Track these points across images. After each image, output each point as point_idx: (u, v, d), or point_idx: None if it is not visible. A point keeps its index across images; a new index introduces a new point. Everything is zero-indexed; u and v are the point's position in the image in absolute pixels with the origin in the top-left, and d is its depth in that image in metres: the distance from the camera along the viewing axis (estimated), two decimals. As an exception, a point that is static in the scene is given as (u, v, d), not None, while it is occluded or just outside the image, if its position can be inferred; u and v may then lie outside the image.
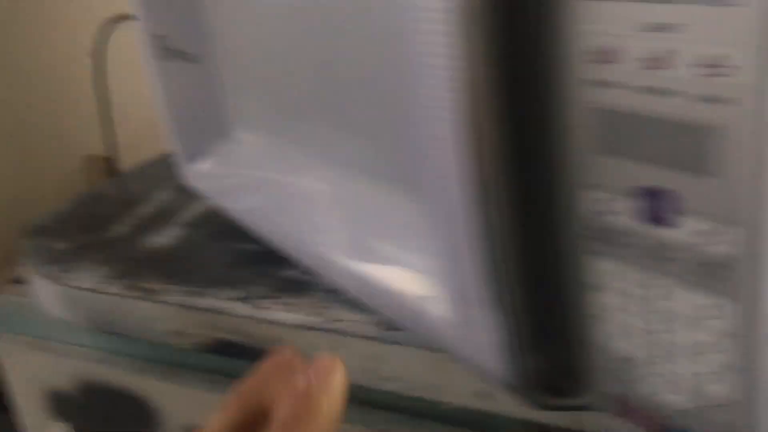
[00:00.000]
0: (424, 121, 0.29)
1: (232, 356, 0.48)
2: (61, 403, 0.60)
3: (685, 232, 0.24)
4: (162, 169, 0.77)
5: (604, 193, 0.26)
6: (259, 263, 0.53)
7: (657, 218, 0.24)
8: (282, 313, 0.46)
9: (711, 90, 0.21)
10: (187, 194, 0.67)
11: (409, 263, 0.39)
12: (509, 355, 0.31)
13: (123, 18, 0.75)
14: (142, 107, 1.16)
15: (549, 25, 0.25)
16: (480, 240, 0.29)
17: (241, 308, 0.47)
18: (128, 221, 0.63)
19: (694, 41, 0.21)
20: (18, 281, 0.63)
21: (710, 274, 0.24)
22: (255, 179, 0.54)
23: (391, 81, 0.35)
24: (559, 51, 0.25)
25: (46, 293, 0.55)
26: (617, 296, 0.27)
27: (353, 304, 0.45)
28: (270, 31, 0.46)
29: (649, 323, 0.27)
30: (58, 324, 0.59)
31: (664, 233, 0.25)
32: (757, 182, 0.21)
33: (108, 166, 1.31)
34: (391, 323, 0.43)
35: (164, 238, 0.59)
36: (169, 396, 0.53)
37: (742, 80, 0.21)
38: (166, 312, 0.50)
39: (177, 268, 0.53)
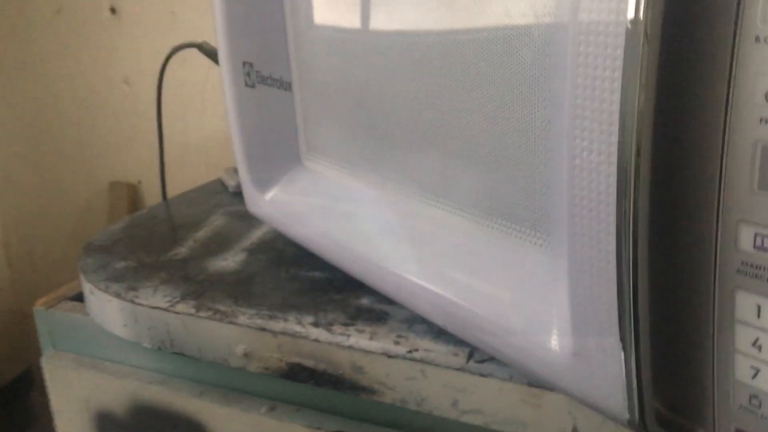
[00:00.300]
0: (570, 161, 0.30)
1: (303, 381, 0.48)
2: (108, 426, 0.59)
3: (841, 270, 0.25)
4: (209, 196, 0.78)
5: (761, 228, 0.26)
6: (328, 290, 0.53)
7: (817, 255, 0.25)
8: (359, 339, 0.46)
9: None
10: (244, 220, 0.67)
11: (505, 299, 0.39)
12: (630, 389, 0.31)
13: (184, 46, 0.76)
14: (170, 138, 1.17)
15: (720, 71, 0.26)
16: (619, 275, 0.29)
17: (317, 333, 0.47)
18: (187, 244, 0.63)
19: None
20: (72, 298, 0.63)
21: None
22: (326, 206, 0.54)
23: (518, 119, 0.36)
24: (729, 89, 0.26)
25: (109, 310, 0.55)
26: (756, 332, 0.28)
27: (434, 333, 0.45)
28: (354, 66, 0.47)
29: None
30: (113, 343, 0.58)
31: (822, 270, 0.25)
32: None
33: (132, 192, 1.31)
34: (477, 353, 0.43)
35: (227, 262, 0.59)
36: (227, 421, 0.53)
37: None
38: (237, 333, 0.50)
39: (245, 291, 0.54)
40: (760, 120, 0.25)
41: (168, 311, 0.52)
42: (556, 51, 0.32)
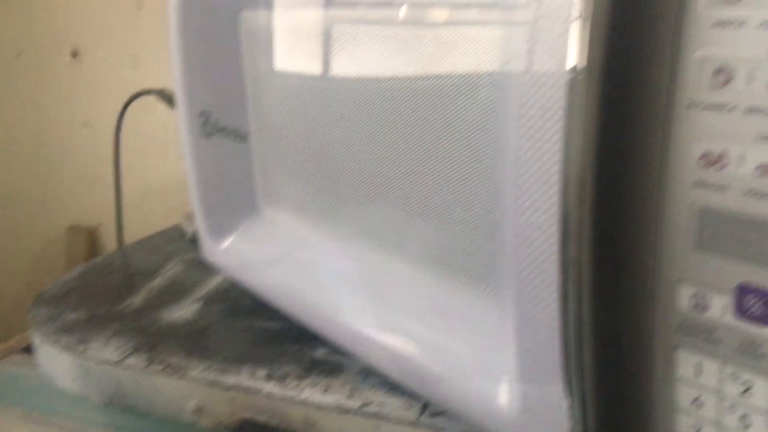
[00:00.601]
0: (514, 212, 0.30)
1: (256, 437, 0.47)
2: (55, 482, 0.57)
3: (776, 330, 0.25)
4: (166, 243, 0.77)
5: (700, 288, 0.27)
6: (283, 341, 0.52)
7: (751, 316, 0.26)
8: (313, 393, 0.46)
9: (819, 198, 0.23)
10: (200, 268, 0.66)
11: (455, 349, 0.39)
12: (577, 443, 0.31)
13: (142, 93, 0.76)
14: (131, 182, 1.16)
15: (656, 133, 0.27)
16: (563, 325, 0.30)
17: (269, 387, 0.47)
18: (142, 294, 0.62)
19: (808, 153, 0.23)
20: (22, 350, 0.62)
21: (798, 371, 0.25)
22: (283, 255, 0.54)
23: (466, 172, 0.37)
24: (668, 154, 0.26)
25: (58, 364, 0.54)
26: (698, 390, 0.28)
27: (388, 385, 0.45)
28: (311, 115, 0.48)
29: (724, 418, 0.28)
30: (63, 397, 0.57)
31: (757, 330, 0.26)
32: None
33: (90, 237, 1.29)
34: (430, 407, 0.43)
35: (182, 312, 0.58)
36: (179, 477, 0.51)
37: None
38: (188, 388, 0.49)
39: (198, 343, 0.53)
40: (695, 183, 0.26)
41: (118, 365, 0.51)
42: (501, 103, 0.33)
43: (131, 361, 0.51)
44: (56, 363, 0.54)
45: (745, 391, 0.27)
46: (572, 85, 0.26)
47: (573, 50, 0.26)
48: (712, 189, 0.26)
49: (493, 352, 0.36)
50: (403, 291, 0.44)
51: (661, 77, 0.26)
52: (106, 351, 0.52)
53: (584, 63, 0.26)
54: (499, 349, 0.35)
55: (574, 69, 0.26)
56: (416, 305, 0.43)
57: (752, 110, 0.24)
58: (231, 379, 0.48)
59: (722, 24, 0.24)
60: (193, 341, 0.53)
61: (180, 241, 0.77)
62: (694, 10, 0.25)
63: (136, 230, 1.08)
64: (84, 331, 0.55)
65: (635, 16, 0.27)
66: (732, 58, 0.24)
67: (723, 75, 0.25)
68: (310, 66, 0.48)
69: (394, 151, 0.41)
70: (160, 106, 0.84)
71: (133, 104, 0.84)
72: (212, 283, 0.64)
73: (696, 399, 0.28)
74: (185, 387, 0.49)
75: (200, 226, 0.59)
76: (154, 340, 0.54)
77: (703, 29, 0.25)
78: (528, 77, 0.29)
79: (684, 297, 0.27)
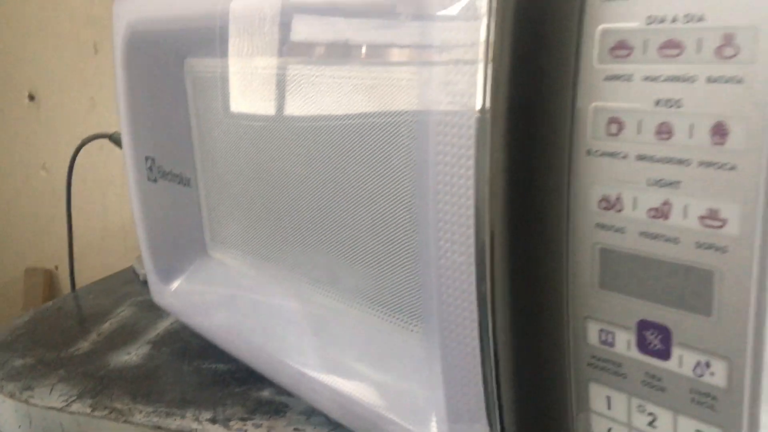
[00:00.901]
0: (433, 251, 0.32)
1: (201, 481, 0.47)
2: None
3: (676, 363, 0.27)
4: (120, 285, 0.77)
5: (605, 324, 0.28)
6: (230, 383, 0.52)
7: (652, 350, 0.27)
8: (257, 435, 0.46)
9: (704, 238, 0.25)
10: (151, 311, 0.67)
11: (389, 383, 0.40)
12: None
13: (93, 137, 0.76)
14: (90, 224, 1.16)
15: (561, 177, 0.28)
16: (483, 362, 0.31)
17: (213, 430, 0.47)
18: (91, 338, 0.62)
19: (691, 196, 0.25)
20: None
21: (699, 404, 0.26)
22: (229, 297, 0.55)
23: (392, 212, 0.38)
24: (573, 197, 0.28)
25: (3, 411, 0.53)
26: (610, 422, 0.29)
27: (332, 424, 0.46)
28: (254, 159, 0.49)
29: (639, 449, 0.29)
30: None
31: (658, 364, 0.27)
32: (743, 321, 0.24)
33: (48, 278, 1.28)
34: (371, 448, 0.43)
35: (130, 356, 0.58)
36: None
37: (730, 231, 0.24)
38: (133, 433, 0.49)
39: (145, 387, 0.53)
40: (596, 225, 0.28)
41: (63, 411, 0.50)
42: (419, 145, 0.34)
43: (76, 407, 0.50)
44: (1, 410, 0.53)
45: (651, 422, 0.28)
46: (480, 126, 0.28)
47: (480, 92, 0.28)
48: (611, 231, 0.27)
49: (426, 391, 0.37)
50: (343, 331, 0.45)
51: (564, 124, 0.28)
52: (50, 397, 0.52)
53: (490, 104, 0.27)
54: (430, 388, 0.36)
55: (481, 110, 0.28)
56: (355, 344, 0.44)
57: (641, 158, 0.26)
58: (175, 422, 0.48)
59: (613, 77, 0.26)
60: (140, 385, 0.53)
61: (134, 283, 0.77)
62: (589, 64, 0.27)
63: (94, 271, 1.08)
64: (30, 378, 0.55)
65: (538, 62, 0.28)
66: (622, 110, 0.26)
67: (615, 124, 0.26)
68: (252, 110, 0.49)
69: (325, 193, 0.42)
70: (119, 148, 0.85)
71: (92, 146, 0.84)
72: (162, 326, 0.64)
73: (609, 430, 0.29)
74: (129, 431, 0.49)
75: (148, 268, 0.59)
76: (100, 385, 0.53)
77: (597, 82, 0.27)
78: (441, 118, 0.30)
79: (592, 332, 0.29)
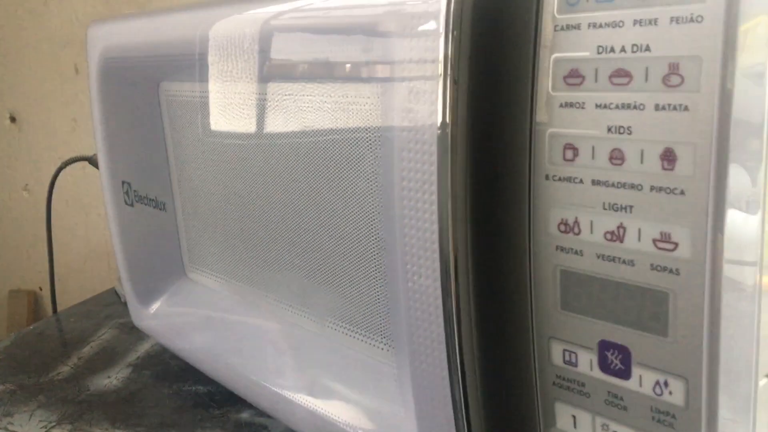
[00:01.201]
0: (400, 273, 0.32)
1: (181, 505, 0.47)
2: None
3: (636, 383, 0.27)
4: (102, 307, 0.77)
5: (568, 344, 0.29)
6: (209, 405, 0.53)
7: (613, 370, 0.28)
8: (237, 458, 0.46)
9: (657, 261, 0.25)
10: (132, 333, 0.67)
11: (365, 404, 0.41)
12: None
13: (73, 160, 0.77)
14: (74, 245, 1.15)
15: (522, 200, 0.29)
16: (451, 383, 0.31)
17: (194, 453, 0.47)
18: (71, 362, 0.62)
19: (644, 220, 0.25)
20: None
21: (659, 421, 0.27)
22: (208, 319, 0.55)
23: (361, 234, 0.38)
24: (534, 220, 0.29)
25: (-19, 438, 0.53)
26: (577, 441, 0.30)
27: (310, 448, 0.46)
28: (229, 182, 0.49)
29: (606, 466, 0.29)
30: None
31: (619, 384, 0.28)
32: (697, 341, 0.25)
33: (32, 300, 1.28)
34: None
35: (110, 379, 0.58)
36: None
37: (682, 254, 0.25)
38: (113, 458, 0.49)
39: (125, 411, 0.53)
40: (556, 247, 0.28)
41: (42, 438, 0.50)
42: (384, 165, 0.34)
43: (55, 433, 0.50)
44: (-21, 438, 0.53)
45: (615, 440, 0.28)
46: (441, 143, 0.28)
47: (440, 109, 0.28)
48: (570, 253, 0.28)
49: (399, 411, 0.37)
50: (319, 352, 0.45)
51: (523, 148, 0.28)
52: (30, 424, 0.52)
53: (450, 122, 0.28)
54: (404, 408, 0.37)
55: (441, 126, 0.28)
56: (332, 365, 0.44)
57: (596, 182, 0.26)
58: (154, 446, 0.48)
59: (567, 105, 0.27)
60: (120, 409, 0.53)
61: (115, 305, 0.77)
62: (545, 91, 0.28)
63: (79, 292, 1.08)
64: (9, 404, 0.55)
65: (496, 86, 0.29)
66: (577, 136, 0.27)
67: (571, 150, 0.27)
68: (226, 133, 0.49)
69: (296, 215, 0.43)
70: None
71: (74, 167, 0.84)
72: (143, 348, 0.64)
73: (573, 450, 0.30)
74: (109, 457, 0.49)
75: (128, 291, 0.59)
76: (79, 410, 0.53)
77: (553, 108, 0.27)
78: (404, 136, 0.30)
79: (556, 353, 0.29)
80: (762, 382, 0.27)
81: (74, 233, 1.16)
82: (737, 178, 0.24)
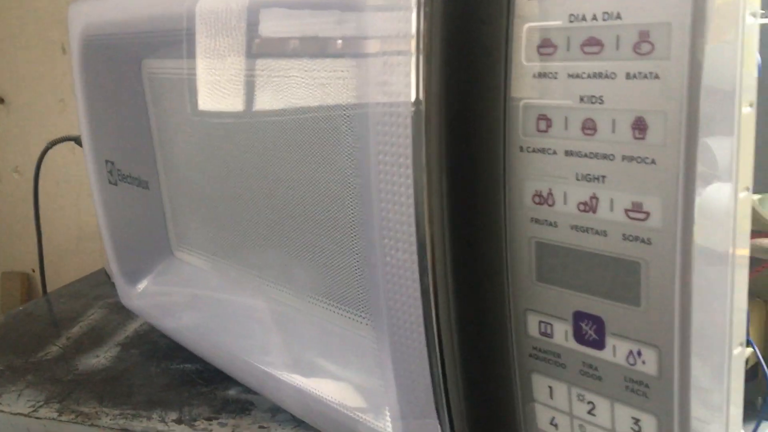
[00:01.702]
0: (378, 249, 0.32)
1: (169, 481, 0.48)
2: None
3: (610, 353, 0.27)
4: (91, 287, 0.77)
5: (544, 316, 0.29)
6: (197, 383, 0.53)
7: (588, 340, 0.28)
8: (223, 434, 0.46)
9: (629, 231, 0.25)
10: (121, 313, 0.67)
11: (349, 380, 0.41)
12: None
13: (59, 140, 0.76)
14: (65, 226, 1.15)
15: (497, 172, 0.29)
16: (429, 357, 0.31)
17: (179, 430, 0.47)
18: (60, 342, 0.62)
19: (616, 190, 0.25)
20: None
21: (633, 391, 0.27)
22: (195, 298, 0.55)
23: (341, 210, 0.38)
24: (509, 192, 0.28)
25: (-30, 418, 0.53)
26: (553, 411, 0.30)
27: (296, 420, 0.46)
28: (213, 160, 0.49)
29: (583, 437, 0.29)
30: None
31: (594, 354, 0.28)
32: (669, 311, 0.25)
33: (25, 282, 1.28)
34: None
35: (99, 358, 0.58)
36: None
37: (653, 224, 0.25)
38: (100, 436, 0.49)
39: (113, 390, 0.53)
40: (531, 219, 0.28)
41: (29, 417, 0.51)
42: (361, 141, 0.34)
43: (43, 412, 0.51)
44: (-32, 418, 0.53)
45: (591, 411, 0.29)
46: (415, 118, 0.28)
47: (413, 84, 0.28)
48: (545, 225, 0.28)
49: (381, 386, 0.37)
50: (304, 329, 0.45)
51: (498, 120, 0.28)
52: (18, 404, 0.52)
53: (424, 97, 0.28)
54: (385, 383, 0.37)
55: (416, 102, 0.28)
56: (316, 342, 0.44)
57: (569, 153, 0.26)
58: (141, 424, 0.48)
59: (540, 75, 0.27)
60: (108, 388, 0.53)
61: (105, 285, 0.77)
62: (519, 61, 0.27)
63: (71, 273, 1.08)
64: (-3, 384, 0.55)
65: (470, 57, 0.29)
66: (550, 106, 0.26)
67: (544, 121, 0.27)
68: (210, 110, 0.49)
69: (278, 192, 0.43)
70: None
71: (63, 147, 0.84)
72: (132, 327, 0.64)
73: (552, 420, 0.30)
74: (97, 435, 0.49)
75: (115, 271, 0.59)
76: (68, 388, 0.54)
77: (526, 79, 0.27)
78: (379, 111, 0.30)
79: (532, 324, 0.29)
80: (736, 350, 0.27)
81: (66, 214, 1.16)
82: (708, 146, 0.24)
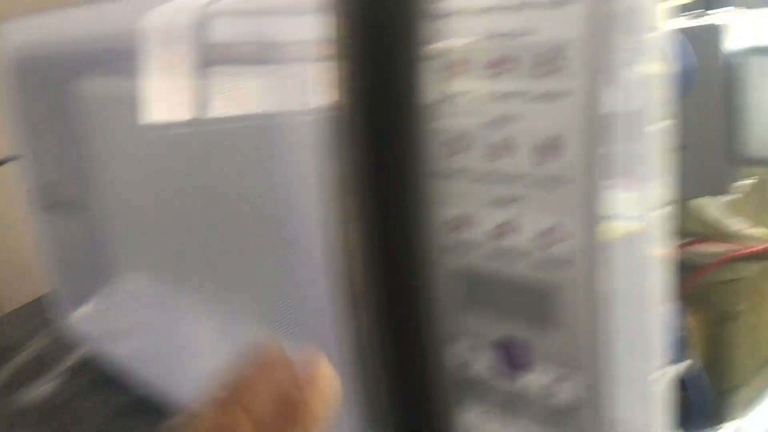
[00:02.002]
0: (298, 269, 0.31)
1: None
2: None
3: (536, 379, 0.26)
4: (35, 315, 0.75)
5: (466, 345, 0.28)
6: (138, 413, 0.51)
7: (512, 368, 0.27)
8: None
9: (545, 254, 0.24)
10: (65, 341, 0.65)
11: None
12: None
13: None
14: (15, 247, 1.12)
15: (415, 195, 0.28)
16: (354, 389, 0.30)
17: (121, 463, 0.46)
18: (3, 373, 0.60)
19: (530, 213, 0.24)
20: None
21: (558, 418, 0.26)
22: (134, 323, 0.53)
23: (268, 226, 0.37)
24: (425, 219, 0.27)
25: None
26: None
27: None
28: (148, 178, 0.48)
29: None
30: None
31: (519, 382, 0.27)
32: (589, 333, 0.24)
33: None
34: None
35: (41, 389, 0.56)
36: None
37: (569, 246, 0.24)
38: (38, 472, 0.47)
39: (53, 423, 0.51)
40: (448, 245, 0.27)
41: (-36, 455, 0.49)
42: (277, 152, 0.33)
43: (-22, 449, 0.49)
44: None
45: (518, 438, 0.28)
46: (325, 127, 0.27)
47: (320, 92, 0.27)
48: (462, 250, 0.27)
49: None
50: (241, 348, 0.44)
51: (409, 144, 0.27)
52: (-48, 441, 0.50)
53: (336, 104, 0.27)
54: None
55: (323, 109, 0.27)
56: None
57: (481, 177, 0.25)
58: (80, 458, 0.46)
59: (451, 95, 0.26)
60: (48, 421, 0.52)
61: (49, 311, 0.75)
62: (430, 80, 0.26)
63: (25, 298, 1.05)
64: (-68, 421, 0.53)
65: (385, 68, 0.27)
66: (460, 129, 0.26)
67: (454, 145, 0.26)
68: (137, 128, 0.48)
69: (208, 208, 0.42)
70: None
71: (7, 168, 0.81)
72: (76, 356, 0.62)
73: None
74: (35, 471, 0.47)
75: (55, 295, 0.58)
76: (7, 424, 0.52)
77: (436, 99, 0.26)
78: (294, 120, 0.29)
79: (456, 353, 0.28)
80: (655, 374, 0.26)
81: (13, 237, 1.13)
82: (622, 163, 0.23)
